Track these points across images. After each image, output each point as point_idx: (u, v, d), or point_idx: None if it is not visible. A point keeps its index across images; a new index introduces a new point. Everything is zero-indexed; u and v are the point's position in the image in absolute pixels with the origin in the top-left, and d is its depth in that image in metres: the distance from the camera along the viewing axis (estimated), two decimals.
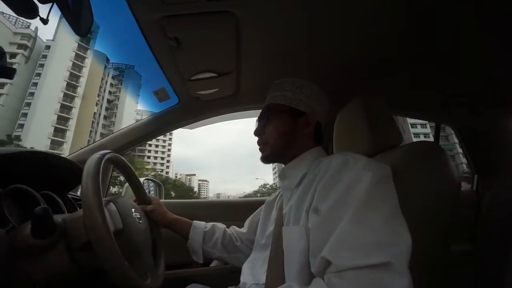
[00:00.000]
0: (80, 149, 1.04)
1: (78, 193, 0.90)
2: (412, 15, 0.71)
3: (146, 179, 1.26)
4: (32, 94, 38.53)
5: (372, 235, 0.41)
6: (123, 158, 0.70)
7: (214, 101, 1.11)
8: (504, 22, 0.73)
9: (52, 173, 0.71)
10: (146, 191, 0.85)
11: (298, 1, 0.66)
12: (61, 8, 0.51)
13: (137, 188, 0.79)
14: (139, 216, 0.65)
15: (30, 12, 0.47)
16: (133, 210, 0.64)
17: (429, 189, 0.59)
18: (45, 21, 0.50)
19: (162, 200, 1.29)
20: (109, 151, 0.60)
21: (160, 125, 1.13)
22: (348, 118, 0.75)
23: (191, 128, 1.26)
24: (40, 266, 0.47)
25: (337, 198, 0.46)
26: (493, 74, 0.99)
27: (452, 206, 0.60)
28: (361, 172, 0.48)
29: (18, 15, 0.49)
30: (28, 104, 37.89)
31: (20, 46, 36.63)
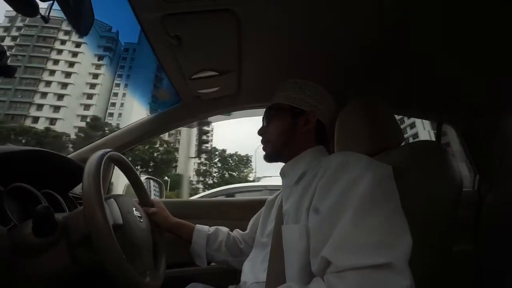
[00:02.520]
0: (82, 148, 1.04)
1: (79, 192, 0.90)
2: (413, 15, 0.71)
3: (147, 178, 1.26)
4: (116, 94, 41.12)
5: (372, 235, 0.41)
6: (124, 157, 0.70)
7: (215, 100, 1.10)
8: (504, 21, 0.72)
9: (53, 172, 0.71)
10: (147, 190, 0.85)
11: (299, 1, 0.66)
12: (61, 6, 0.51)
13: (139, 188, 0.79)
14: (139, 215, 0.65)
15: (31, 10, 0.47)
16: (134, 208, 0.64)
17: (430, 189, 0.58)
18: (45, 19, 0.50)
19: (163, 199, 1.29)
20: (110, 149, 0.60)
21: (161, 123, 1.13)
22: (349, 118, 0.75)
23: (191, 127, 1.27)
24: (41, 264, 0.47)
25: (337, 198, 0.46)
26: (495, 74, 0.99)
27: (453, 206, 0.60)
28: (362, 171, 0.47)
29: (18, 13, 0.49)
30: (113, 104, 40.28)
31: (106, 48, 39.59)
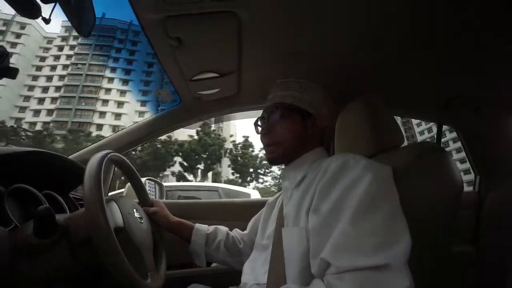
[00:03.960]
0: (82, 149, 1.04)
1: (80, 193, 0.90)
2: (413, 15, 0.71)
3: (147, 179, 1.26)
4: None
5: (371, 236, 0.41)
6: (125, 158, 0.70)
7: (216, 101, 1.10)
8: (505, 22, 0.72)
9: (54, 173, 0.71)
10: (148, 191, 0.85)
11: (299, 2, 0.66)
12: (63, 7, 0.51)
13: (139, 188, 0.79)
14: (140, 216, 0.65)
15: (33, 11, 0.48)
16: (134, 209, 0.64)
17: (430, 190, 0.58)
18: (47, 21, 0.50)
19: (163, 200, 1.29)
20: (111, 151, 0.60)
21: (162, 125, 1.13)
22: (349, 119, 0.75)
23: (191, 128, 1.27)
24: (42, 265, 0.47)
25: (337, 199, 0.46)
26: (495, 75, 0.99)
27: (454, 207, 0.60)
28: (361, 172, 0.47)
29: (20, 15, 0.50)
30: None
31: (148, 54, 40.09)
